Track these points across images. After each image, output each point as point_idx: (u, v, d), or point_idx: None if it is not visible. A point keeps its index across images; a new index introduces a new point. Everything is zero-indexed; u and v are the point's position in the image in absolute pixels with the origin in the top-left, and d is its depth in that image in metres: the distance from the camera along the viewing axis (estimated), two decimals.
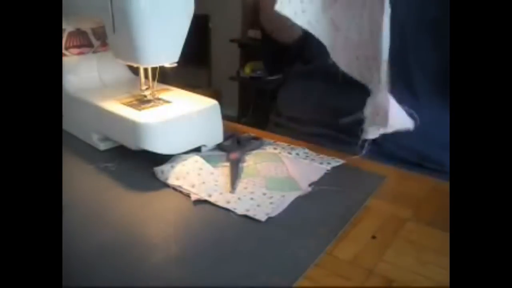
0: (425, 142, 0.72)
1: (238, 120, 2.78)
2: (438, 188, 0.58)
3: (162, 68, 0.64)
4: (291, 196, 0.54)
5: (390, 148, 0.68)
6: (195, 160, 0.59)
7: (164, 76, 0.68)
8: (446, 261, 0.43)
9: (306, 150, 0.67)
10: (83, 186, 0.57)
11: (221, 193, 0.54)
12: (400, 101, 0.63)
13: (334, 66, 0.62)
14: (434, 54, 0.69)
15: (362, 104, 0.59)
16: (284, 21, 0.61)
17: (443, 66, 0.57)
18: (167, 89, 0.71)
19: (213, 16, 2.94)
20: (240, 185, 0.57)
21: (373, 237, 0.48)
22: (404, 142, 0.70)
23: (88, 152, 0.66)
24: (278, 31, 0.76)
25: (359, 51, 0.59)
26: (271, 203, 0.52)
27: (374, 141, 0.60)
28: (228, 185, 0.56)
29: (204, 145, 0.65)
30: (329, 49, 0.62)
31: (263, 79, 2.64)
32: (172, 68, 0.63)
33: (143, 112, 0.62)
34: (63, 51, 0.70)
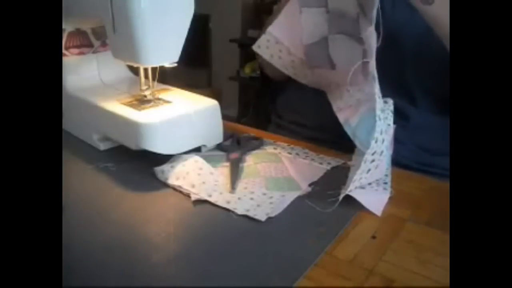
0: (428, 153, 0.72)
1: (238, 120, 2.78)
2: (437, 188, 0.58)
3: (162, 68, 0.64)
4: (291, 196, 0.54)
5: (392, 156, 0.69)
6: (195, 160, 0.59)
7: (164, 76, 0.68)
8: (445, 261, 0.43)
9: (306, 150, 0.67)
10: (83, 186, 0.57)
11: (221, 193, 0.54)
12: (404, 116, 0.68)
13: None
14: (433, 72, 0.70)
15: None
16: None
17: (443, 84, 0.58)
18: (167, 89, 0.71)
19: (213, 16, 2.94)
20: (240, 185, 0.57)
21: (373, 237, 0.48)
22: (406, 154, 0.70)
23: (88, 152, 0.66)
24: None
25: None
26: (271, 203, 0.52)
27: None
28: (228, 185, 0.56)
29: (204, 145, 0.65)
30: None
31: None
32: (172, 68, 0.63)
33: (143, 112, 0.62)
34: (63, 51, 0.70)
